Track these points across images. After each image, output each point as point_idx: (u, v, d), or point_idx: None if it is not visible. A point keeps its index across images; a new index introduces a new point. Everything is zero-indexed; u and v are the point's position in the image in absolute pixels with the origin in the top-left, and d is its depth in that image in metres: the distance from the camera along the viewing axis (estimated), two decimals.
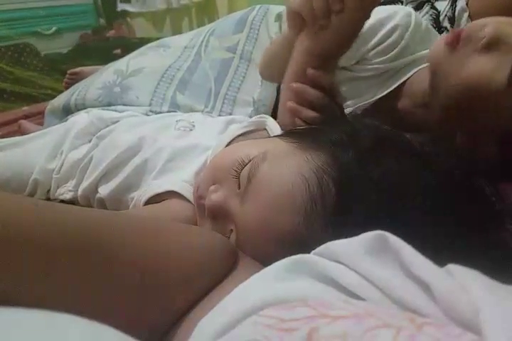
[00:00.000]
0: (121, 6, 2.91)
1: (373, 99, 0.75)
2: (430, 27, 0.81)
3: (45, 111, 0.95)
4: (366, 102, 0.75)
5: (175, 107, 0.87)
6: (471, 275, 0.24)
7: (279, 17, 1.08)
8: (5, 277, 0.26)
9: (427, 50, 0.72)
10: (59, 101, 0.93)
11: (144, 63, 0.95)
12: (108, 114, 0.80)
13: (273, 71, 0.78)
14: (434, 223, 0.37)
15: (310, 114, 0.58)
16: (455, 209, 0.38)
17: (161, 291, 0.34)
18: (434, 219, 0.37)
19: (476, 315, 0.21)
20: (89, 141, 0.72)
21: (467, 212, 0.38)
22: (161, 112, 0.85)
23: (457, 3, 0.97)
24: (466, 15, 0.89)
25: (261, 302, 0.24)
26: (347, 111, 0.74)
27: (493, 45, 0.54)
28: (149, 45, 1.06)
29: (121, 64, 0.97)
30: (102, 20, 2.96)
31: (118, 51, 1.91)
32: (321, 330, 0.19)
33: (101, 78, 0.94)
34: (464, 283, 0.23)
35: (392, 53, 0.73)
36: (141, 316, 0.32)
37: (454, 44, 0.57)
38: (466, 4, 0.95)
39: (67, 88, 1.08)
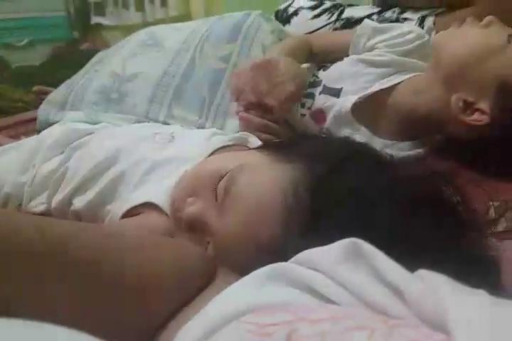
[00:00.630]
0: (95, 19, 2.90)
1: (370, 90, 0.79)
2: None
3: (42, 104, 0.94)
4: (364, 94, 0.79)
5: (170, 118, 0.88)
6: (440, 280, 0.25)
7: (273, 31, 1.10)
8: None
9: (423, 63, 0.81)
10: (56, 97, 0.93)
11: (139, 67, 0.94)
12: (82, 125, 0.79)
13: None
14: (402, 231, 0.38)
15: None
16: (421, 218, 0.40)
17: (136, 305, 0.34)
18: (403, 227, 0.39)
19: (444, 316, 0.22)
20: (62, 153, 0.72)
21: (433, 221, 0.40)
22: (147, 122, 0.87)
23: (425, 23, 1.02)
24: (433, 33, 0.94)
25: (242, 309, 0.25)
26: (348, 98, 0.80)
27: (491, 24, 0.69)
28: (140, 38, 1.05)
29: (116, 65, 0.96)
30: (76, 33, 2.94)
31: None
32: (300, 331, 0.20)
33: (97, 80, 0.93)
34: (433, 287, 0.24)
35: (400, 49, 0.80)
36: (119, 327, 0.32)
37: (460, 23, 0.71)
38: (434, 24, 1.00)
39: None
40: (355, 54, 0.85)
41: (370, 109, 0.80)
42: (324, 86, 0.85)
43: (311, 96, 0.87)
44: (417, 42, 0.80)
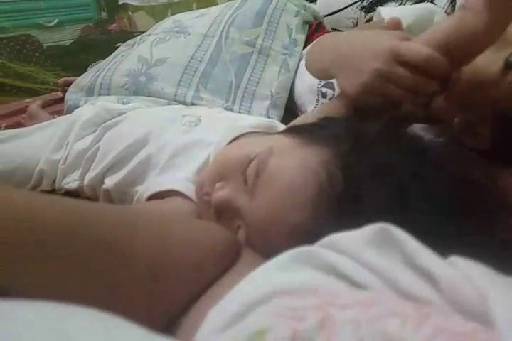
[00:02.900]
0: (122, 0, 2.91)
1: None
2: None
3: (68, 90, 0.97)
4: None
5: (198, 99, 0.89)
6: (474, 266, 0.24)
7: (298, 12, 1.09)
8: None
9: None
10: (83, 82, 0.95)
11: (166, 52, 0.96)
12: (113, 105, 0.80)
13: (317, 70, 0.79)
14: (437, 216, 0.37)
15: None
16: (455, 202, 0.39)
17: (167, 283, 0.34)
18: (436, 211, 0.38)
19: (482, 303, 0.21)
20: (94, 132, 0.73)
21: (466, 205, 0.39)
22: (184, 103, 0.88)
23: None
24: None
25: (270, 292, 0.24)
26: None
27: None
28: (167, 25, 1.07)
29: (144, 51, 0.98)
30: (104, 14, 2.95)
31: (120, 45, 1.90)
32: (332, 318, 0.20)
33: (125, 64, 0.95)
34: (468, 274, 0.23)
35: None
36: (149, 308, 0.33)
37: None
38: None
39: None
40: None
41: None
42: None
43: (331, 86, 0.85)
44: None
